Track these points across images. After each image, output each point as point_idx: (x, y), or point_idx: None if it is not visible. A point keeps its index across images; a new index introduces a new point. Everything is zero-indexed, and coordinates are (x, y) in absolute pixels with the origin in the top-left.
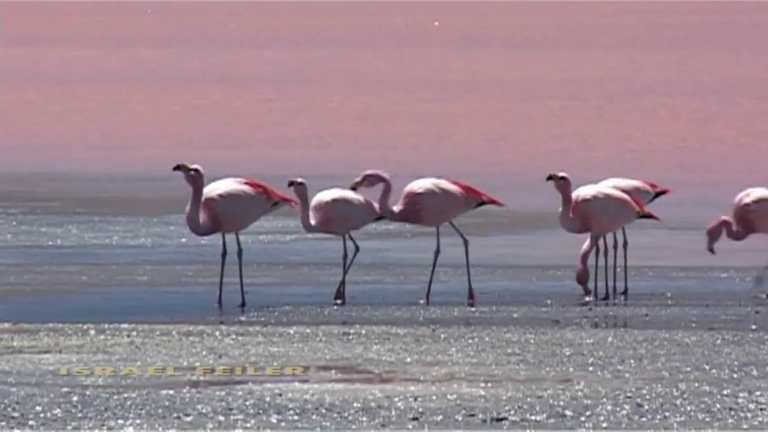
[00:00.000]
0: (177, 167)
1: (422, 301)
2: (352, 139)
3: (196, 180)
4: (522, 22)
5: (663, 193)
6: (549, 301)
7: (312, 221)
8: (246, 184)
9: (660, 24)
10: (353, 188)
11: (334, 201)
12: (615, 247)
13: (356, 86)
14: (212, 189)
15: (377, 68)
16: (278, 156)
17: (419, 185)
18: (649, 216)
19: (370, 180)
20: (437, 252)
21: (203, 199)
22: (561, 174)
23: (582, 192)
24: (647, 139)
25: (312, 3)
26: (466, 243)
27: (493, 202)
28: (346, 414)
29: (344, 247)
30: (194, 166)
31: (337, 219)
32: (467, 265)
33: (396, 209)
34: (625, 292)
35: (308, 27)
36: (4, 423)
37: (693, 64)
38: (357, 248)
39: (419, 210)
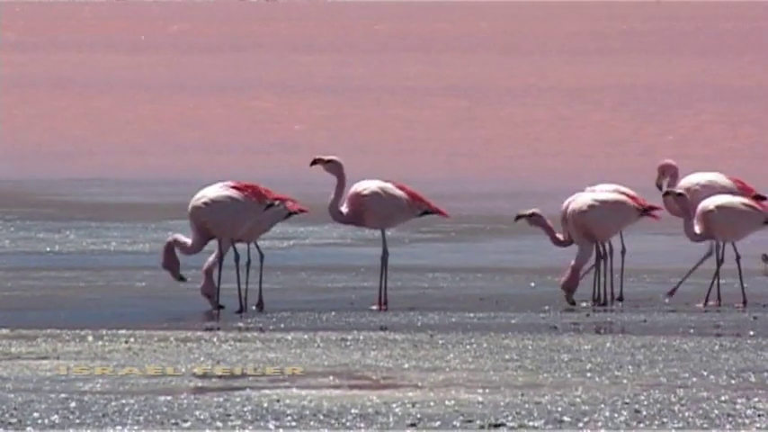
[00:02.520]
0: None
1: (374, 307)
2: (416, 145)
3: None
4: (559, 28)
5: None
6: (547, 307)
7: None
8: (234, 188)
9: (699, 29)
10: (314, 163)
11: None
12: (612, 253)
13: (408, 93)
14: (198, 197)
15: (429, 74)
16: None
17: (364, 187)
18: (650, 210)
19: (331, 168)
20: (384, 256)
21: (189, 208)
22: (531, 211)
23: (577, 204)
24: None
25: (349, 5)
26: (385, 255)
27: (438, 212)
28: (344, 420)
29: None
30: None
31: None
32: (383, 273)
33: (343, 210)
34: (621, 298)
35: (349, 32)
36: (2, 429)
37: (731, 69)
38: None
39: (363, 212)
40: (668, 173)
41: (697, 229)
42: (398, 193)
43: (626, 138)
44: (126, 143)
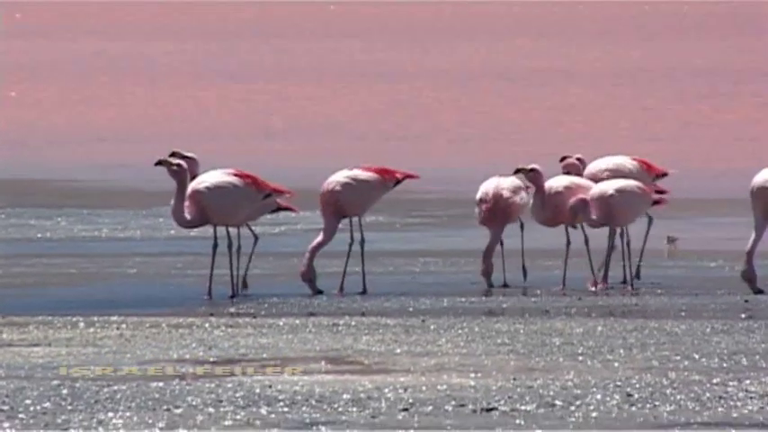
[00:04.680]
0: (159, 163)
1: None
2: (448, 132)
3: (178, 174)
4: (592, 11)
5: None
6: (538, 291)
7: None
8: (235, 175)
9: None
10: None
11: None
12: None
13: (443, 79)
14: (200, 181)
15: (462, 60)
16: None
17: (335, 181)
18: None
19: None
20: (362, 242)
21: (191, 191)
22: (531, 166)
23: (554, 184)
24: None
25: None
26: (362, 242)
27: (408, 176)
28: (336, 405)
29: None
30: (177, 161)
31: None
32: (361, 262)
33: (323, 210)
34: (604, 279)
35: (384, 17)
36: None
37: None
38: (256, 237)
39: (342, 205)
40: (573, 171)
41: (594, 215)
42: (367, 175)
43: (653, 122)
44: (118, 129)
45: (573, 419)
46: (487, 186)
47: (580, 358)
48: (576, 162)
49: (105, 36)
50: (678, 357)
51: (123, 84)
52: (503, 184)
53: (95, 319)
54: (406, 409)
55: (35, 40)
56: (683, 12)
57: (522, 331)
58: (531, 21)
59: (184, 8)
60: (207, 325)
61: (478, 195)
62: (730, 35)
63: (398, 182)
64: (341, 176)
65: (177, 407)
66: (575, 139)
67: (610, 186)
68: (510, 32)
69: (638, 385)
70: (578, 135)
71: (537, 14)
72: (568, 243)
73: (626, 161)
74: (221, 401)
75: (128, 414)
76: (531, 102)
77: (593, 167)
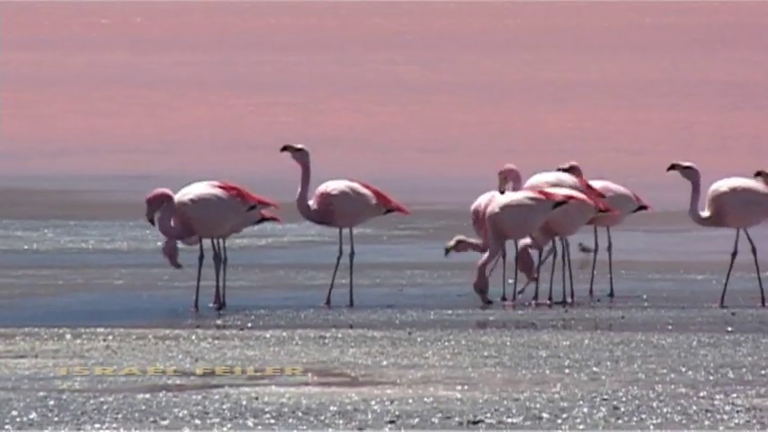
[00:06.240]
0: (147, 216)
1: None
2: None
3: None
4: (596, 24)
5: (644, 207)
6: (525, 304)
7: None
8: (219, 187)
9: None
10: (284, 149)
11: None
12: (596, 250)
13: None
14: (184, 194)
15: (486, 72)
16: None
17: (333, 186)
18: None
19: (298, 156)
20: (351, 255)
21: (175, 203)
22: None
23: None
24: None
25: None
26: (351, 254)
27: (399, 209)
28: (323, 417)
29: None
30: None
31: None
32: (350, 274)
33: (311, 206)
34: (586, 294)
35: (399, 29)
36: None
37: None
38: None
39: (332, 211)
40: (510, 177)
41: (490, 236)
42: (365, 191)
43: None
44: (106, 140)
45: None
46: (482, 200)
47: (567, 371)
48: (514, 169)
49: (110, 47)
50: (665, 370)
51: (123, 95)
52: (497, 198)
53: (82, 330)
54: (392, 422)
55: (39, 52)
56: (715, 24)
57: (508, 344)
58: (557, 33)
59: (199, 20)
60: (193, 337)
61: (473, 207)
62: (761, 48)
63: (390, 210)
64: (341, 183)
65: (164, 418)
66: (600, 151)
67: (496, 205)
68: (536, 45)
69: (624, 398)
70: (603, 147)
71: (564, 27)
72: (548, 255)
73: (566, 176)
74: (208, 413)
75: (114, 426)
76: (561, 114)
77: (534, 180)
